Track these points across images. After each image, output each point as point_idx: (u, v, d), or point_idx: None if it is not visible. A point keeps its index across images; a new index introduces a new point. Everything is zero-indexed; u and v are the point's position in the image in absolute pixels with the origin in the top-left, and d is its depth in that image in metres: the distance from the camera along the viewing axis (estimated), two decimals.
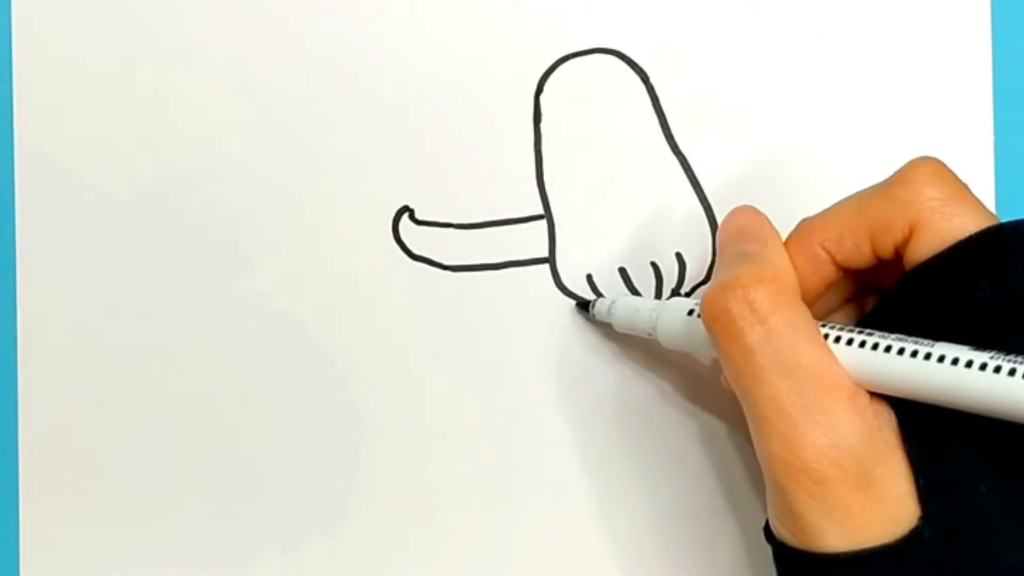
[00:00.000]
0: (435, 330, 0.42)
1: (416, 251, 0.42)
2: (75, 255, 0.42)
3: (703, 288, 0.40)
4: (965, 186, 0.32)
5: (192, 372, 0.42)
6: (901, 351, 0.30)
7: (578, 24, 0.42)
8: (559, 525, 0.42)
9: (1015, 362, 0.28)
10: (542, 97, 0.42)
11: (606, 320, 0.40)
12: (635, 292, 0.42)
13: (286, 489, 0.42)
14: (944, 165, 0.33)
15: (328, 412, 0.42)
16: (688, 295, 0.42)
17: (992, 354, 0.29)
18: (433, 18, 0.42)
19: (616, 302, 0.40)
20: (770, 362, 0.31)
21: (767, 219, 0.35)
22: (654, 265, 0.42)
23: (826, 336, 0.32)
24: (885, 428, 0.31)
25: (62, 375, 0.42)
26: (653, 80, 0.42)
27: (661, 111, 0.42)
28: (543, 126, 0.42)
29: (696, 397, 0.41)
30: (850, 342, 0.31)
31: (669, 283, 0.42)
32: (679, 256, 0.42)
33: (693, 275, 0.42)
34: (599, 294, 0.42)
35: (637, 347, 0.41)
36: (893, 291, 0.33)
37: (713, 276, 0.35)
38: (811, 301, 0.34)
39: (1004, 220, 0.32)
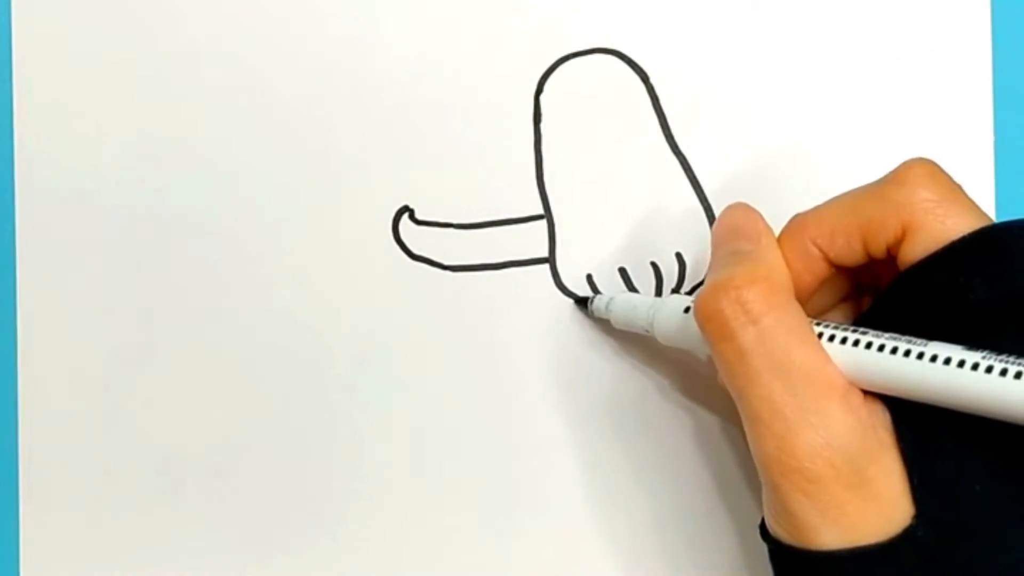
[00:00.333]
0: (435, 330, 0.42)
1: (416, 251, 0.42)
2: (75, 255, 0.43)
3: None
4: (959, 187, 0.32)
5: (192, 372, 0.42)
6: (894, 350, 0.30)
7: (578, 24, 0.42)
8: (558, 523, 0.42)
9: (1008, 362, 0.28)
10: (542, 97, 0.42)
11: (604, 316, 0.40)
12: (635, 292, 0.42)
13: (286, 489, 0.42)
14: (938, 166, 0.33)
15: (328, 412, 0.42)
16: (688, 295, 0.41)
17: (985, 354, 0.29)
18: (433, 18, 0.42)
19: (614, 299, 0.40)
20: (763, 362, 0.31)
21: (761, 216, 0.35)
22: (654, 265, 0.42)
23: (820, 335, 0.32)
24: (879, 427, 0.31)
25: (62, 375, 0.43)
26: (653, 80, 0.42)
27: (661, 111, 0.42)
28: (543, 126, 0.42)
29: (694, 397, 0.41)
30: (844, 341, 0.31)
31: (669, 283, 0.42)
32: (679, 256, 0.42)
33: (693, 275, 0.42)
34: (599, 294, 0.41)
35: (636, 346, 0.41)
36: (887, 292, 0.33)
37: (707, 275, 0.35)
38: (805, 298, 0.34)
39: (1004, 220, 0.32)
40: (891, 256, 0.33)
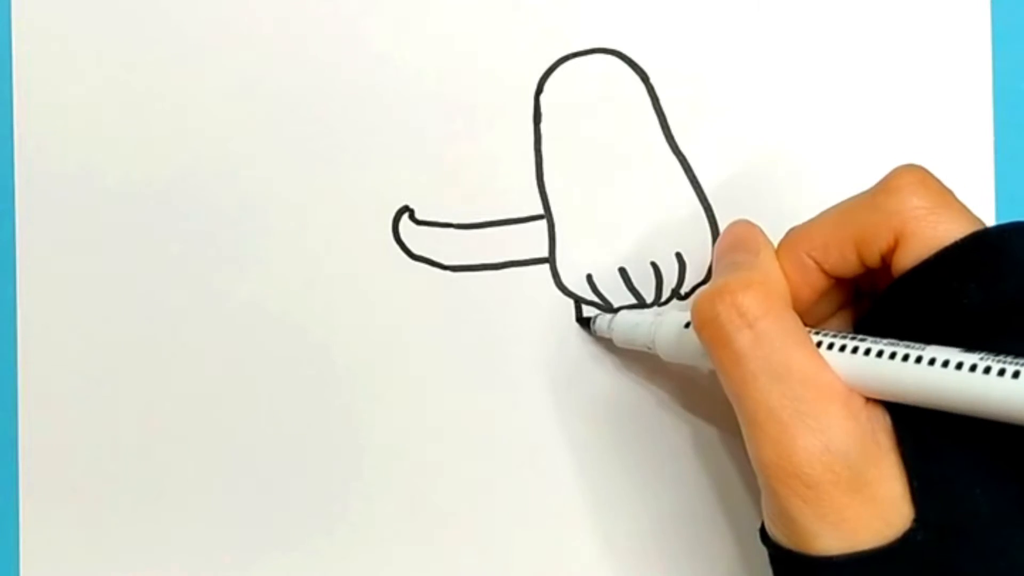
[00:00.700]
0: (435, 330, 0.42)
1: (416, 251, 0.42)
2: (75, 255, 0.43)
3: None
4: (949, 192, 0.32)
5: (192, 372, 0.42)
6: (892, 355, 0.30)
7: (578, 24, 0.42)
8: (558, 527, 0.42)
9: (1005, 362, 0.28)
10: (542, 97, 0.42)
11: (606, 335, 0.40)
12: (635, 292, 0.42)
13: (286, 489, 0.42)
14: (928, 172, 0.32)
15: (328, 412, 0.42)
16: (688, 295, 0.42)
17: (982, 355, 0.28)
18: (433, 18, 0.42)
19: (615, 318, 0.40)
20: (760, 366, 0.31)
21: (761, 231, 0.35)
22: (654, 265, 0.42)
23: (818, 344, 0.32)
24: (879, 431, 0.31)
25: (62, 375, 0.43)
26: (653, 80, 0.42)
27: (661, 111, 0.42)
28: (543, 126, 0.42)
29: (693, 398, 0.41)
30: (842, 348, 0.31)
31: (669, 283, 0.42)
32: (679, 256, 0.42)
33: (693, 275, 0.42)
34: (599, 294, 0.41)
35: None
36: (881, 299, 0.33)
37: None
38: (804, 310, 0.34)
39: (1004, 221, 0.32)
40: (886, 264, 0.33)
